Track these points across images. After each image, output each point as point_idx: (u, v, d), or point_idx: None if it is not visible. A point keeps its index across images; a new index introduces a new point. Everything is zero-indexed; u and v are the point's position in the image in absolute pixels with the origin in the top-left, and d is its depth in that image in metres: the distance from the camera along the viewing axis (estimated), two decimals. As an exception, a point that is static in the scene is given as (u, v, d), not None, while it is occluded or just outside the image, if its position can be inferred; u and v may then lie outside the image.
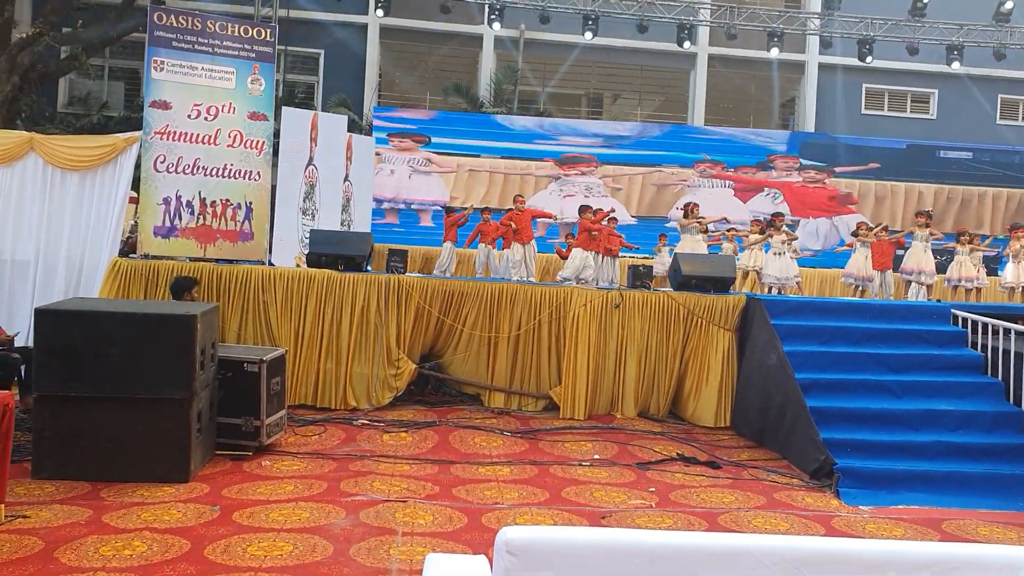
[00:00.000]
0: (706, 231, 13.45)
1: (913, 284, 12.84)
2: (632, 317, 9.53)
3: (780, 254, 12.71)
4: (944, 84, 23.19)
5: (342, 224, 13.77)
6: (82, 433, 6.39)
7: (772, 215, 14.26)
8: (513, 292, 9.58)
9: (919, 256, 12.78)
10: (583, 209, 12.78)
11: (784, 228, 13.33)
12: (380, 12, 18.81)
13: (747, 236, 15.06)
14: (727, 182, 20.66)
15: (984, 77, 22.86)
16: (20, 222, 9.74)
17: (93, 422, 6.40)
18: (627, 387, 9.53)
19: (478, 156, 20.09)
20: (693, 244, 12.53)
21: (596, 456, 8.00)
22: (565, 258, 12.69)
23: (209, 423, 6.98)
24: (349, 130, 14.50)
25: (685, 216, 12.87)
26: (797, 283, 13.05)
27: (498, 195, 19.68)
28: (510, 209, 13.08)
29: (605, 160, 20.49)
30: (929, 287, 12.86)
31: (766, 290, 12.71)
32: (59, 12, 18.01)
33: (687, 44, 20.01)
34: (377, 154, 18.70)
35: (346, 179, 14.15)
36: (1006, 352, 8.35)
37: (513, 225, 12.51)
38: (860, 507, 6.86)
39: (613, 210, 14.18)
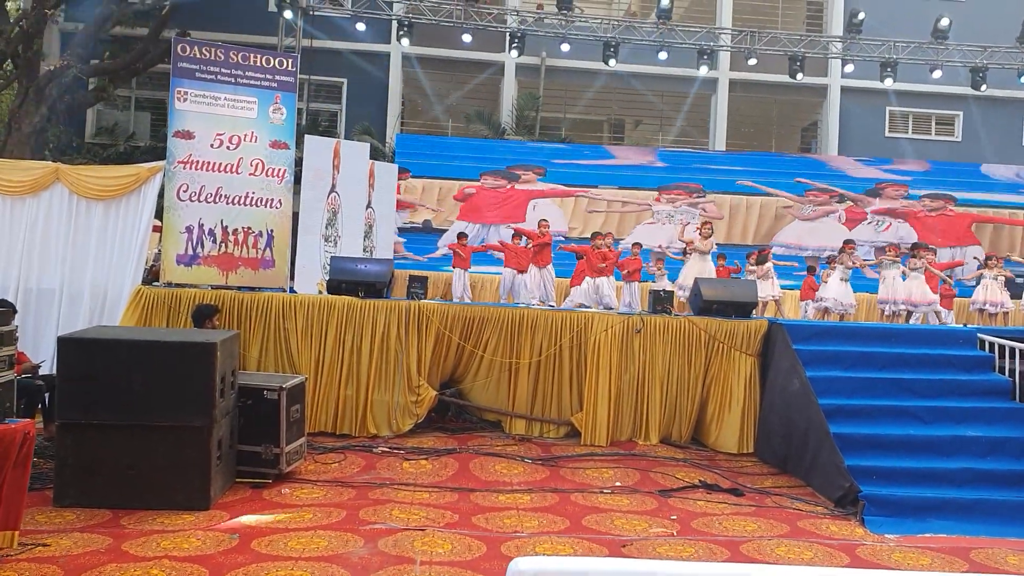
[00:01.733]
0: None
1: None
2: (654, 342, 9.47)
3: (845, 280, 12.70)
4: (968, 106, 23.02)
5: (364, 251, 13.83)
6: (103, 461, 6.43)
7: (845, 242, 14.14)
8: (534, 318, 9.56)
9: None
10: (594, 236, 12.84)
11: (854, 254, 13.30)
12: (404, 41, 18.97)
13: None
14: (834, 212, 20.37)
15: (1009, 99, 22.69)
16: (46, 251, 9.86)
17: (114, 450, 6.44)
18: (649, 413, 9.45)
19: (594, 187, 20.13)
20: (701, 266, 12.52)
21: (617, 483, 7.93)
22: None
23: (229, 450, 6.99)
24: (372, 157, 14.60)
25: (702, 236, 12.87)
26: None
27: (615, 224, 19.66)
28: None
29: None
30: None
31: (824, 315, 12.71)
32: (86, 44, 18.36)
33: (707, 69, 19.99)
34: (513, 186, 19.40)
35: (368, 206, 14.23)
36: (1035, 377, 8.22)
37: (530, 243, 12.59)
38: (886, 535, 6.73)
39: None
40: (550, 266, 12.95)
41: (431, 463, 8.21)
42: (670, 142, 24.31)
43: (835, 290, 12.67)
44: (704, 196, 20.07)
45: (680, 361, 9.49)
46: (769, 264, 14.24)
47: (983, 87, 19.73)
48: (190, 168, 9.92)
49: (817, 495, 7.73)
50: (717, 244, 14.03)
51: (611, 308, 11.94)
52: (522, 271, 13.65)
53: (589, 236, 14.42)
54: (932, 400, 8.34)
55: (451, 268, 14.91)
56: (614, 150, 21.17)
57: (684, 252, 13.96)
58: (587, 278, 12.68)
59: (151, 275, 10.87)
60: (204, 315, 8.55)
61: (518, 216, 19.41)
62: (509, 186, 19.81)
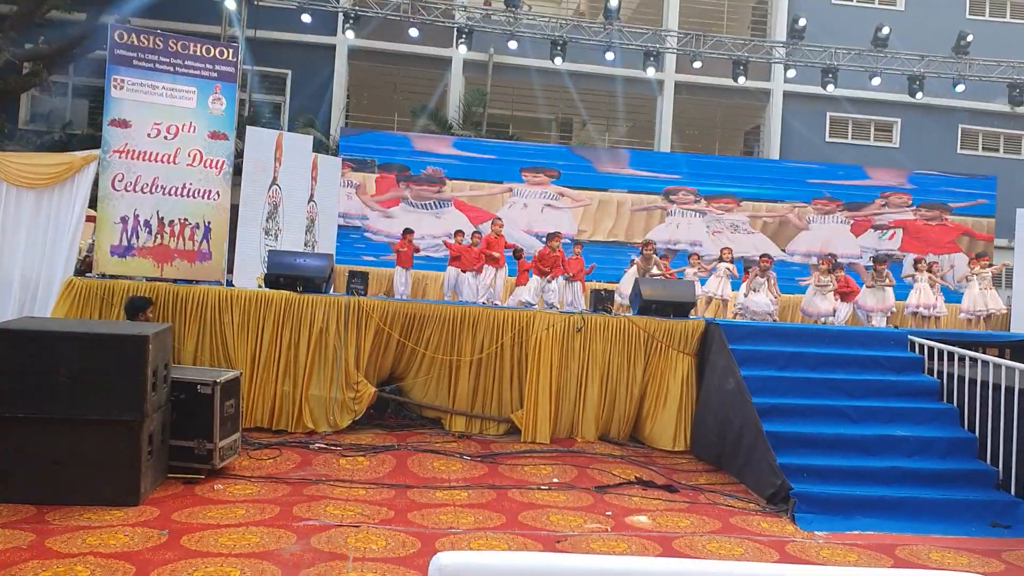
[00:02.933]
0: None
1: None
2: (594, 341, 9.53)
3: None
4: (907, 114, 23.57)
5: (306, 245, 13.69)
6: (28, 455, 6.27)
7: (760, 256, 14.42)
8: (475, 315, 9.55)
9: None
10: (551, 236, 12.95)
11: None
12: (349, 33, 18.79)
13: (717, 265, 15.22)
14: (839, 217, 20.53)
15: (945, 107, 23.29)
16: (-26, 240, 9.58)
17: (40, 444, 6.28)
18: (588, 411, 9.51)
19: (606, 190, 20.01)
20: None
21: (555, 480, 7.97)
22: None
23: (161, 446, 6.86)
24: (316, 150, 14.45)
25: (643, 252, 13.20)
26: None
27: (624, 228, 19.68)
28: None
29: (705, 194, 20.32)
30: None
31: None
32: (20, 27, 17.82)
33: (653, 71, 20.17)
34: (509, 189, 19.19)
35: (311, 200, 14.09)
36: (961, 378, 8.45)
37: (495, 253, 12.62)
38: (815, 532, 6.87)
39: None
40: (504, 268, 13.00)
41: (368, 460, 8.16)
42: (615, 142, 24.49)
43: (752, 298, 12.95)
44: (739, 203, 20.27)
45: (620, 360, 9.56)
46: (726, 264, 14.50)
47: (919, 95, 20.22)
48: (126, 157, 9.70)
49: (750, 492, 7.85)
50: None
51: (554, 307, 12.02)
52: (465, 270, 13.68)
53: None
54: (862, 400, 8.53)
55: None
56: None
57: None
58: (534, 277, 12.76)
59: (84, 266, 10.64)
60: (137, 308, 8.37)
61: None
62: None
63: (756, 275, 13.14)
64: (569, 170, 19.83)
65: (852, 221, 20.37)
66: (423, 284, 16.76)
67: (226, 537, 5.78)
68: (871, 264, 13.64)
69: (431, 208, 19.29)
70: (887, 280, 13.41)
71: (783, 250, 19.73)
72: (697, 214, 19.98)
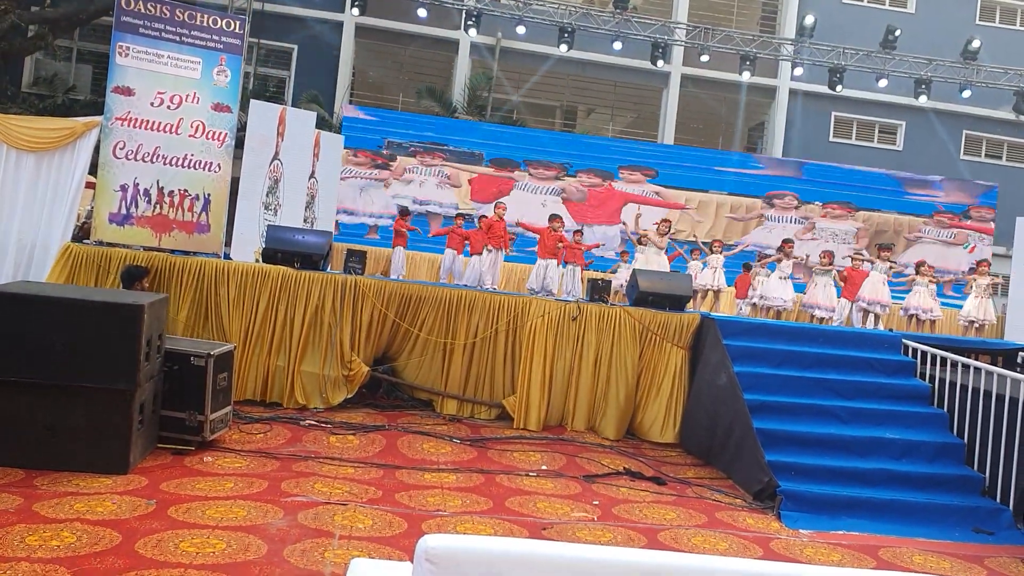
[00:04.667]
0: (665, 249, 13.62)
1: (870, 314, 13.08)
2: (589, 330, 9.53)
3: (784, 277, 13.04)
4: (911, 117, 23.55)
5: (305, 221, 13.65)
6: (21, 420, 6.25)
7: (784, 241, 14.43)
8: (472, 299, 9.55)
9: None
10: (552, 218, 12.91)
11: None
12: (356, 11, 18.70)
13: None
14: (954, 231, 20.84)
15: (950, 112, 23.28)
16: (-30, 201, 9.56)
17: (32, 409, 6.27)
18: (580, 399, 9.52)
19: (706, 192, 20.19)
20: (653, 259, 12.71)
21: (543, 467, 7.99)
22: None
23: (152, 416, 6.86)
24: (319, 127, 14.40)
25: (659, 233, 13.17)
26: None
27: (722, 230, 19.88)
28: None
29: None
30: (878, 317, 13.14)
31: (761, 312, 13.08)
32: (28, -10, 17.75)
33: (661, 63, 20.13)
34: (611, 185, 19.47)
35: (311, 176, 14.05)
36: (952, 384, 8.47)
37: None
38: (800, 531, 6.90)
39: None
40: (502, 251, 12.92)
41: (358, 439, 8.17)
42: (619, 132, 24.46)
43: (775, 287, 12.98)
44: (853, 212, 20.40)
45: (613, 350, 9.56)
46: (717, 255, 14.52)
47: (922, 98, 20.21)
48: (128, 125, 9.67)
49: (737, 488, 7.88)
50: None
51: (551, 293, 12.01)
52: (475, 252, 13.60)
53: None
54: (853, 401, 8.54)
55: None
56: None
57: (639, 242, 14.10)
58: (539, 260, 12.74)
59: (82, 232, 10.62)
60: (134, 276, 8.37)
61: (615, 218, 19.64)
62: (606, 184, 19.83)
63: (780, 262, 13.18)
64: (666, 169, 20.05)
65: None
66: (426, 266, 16.74)
67: (213, 509, 5.79)
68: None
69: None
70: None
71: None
72: (796, 220, 20.13)
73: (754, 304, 13.38)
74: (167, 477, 6.42)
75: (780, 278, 13.06)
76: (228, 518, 5.66)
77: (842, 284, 13.54)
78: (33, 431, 6.25)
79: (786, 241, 14.19)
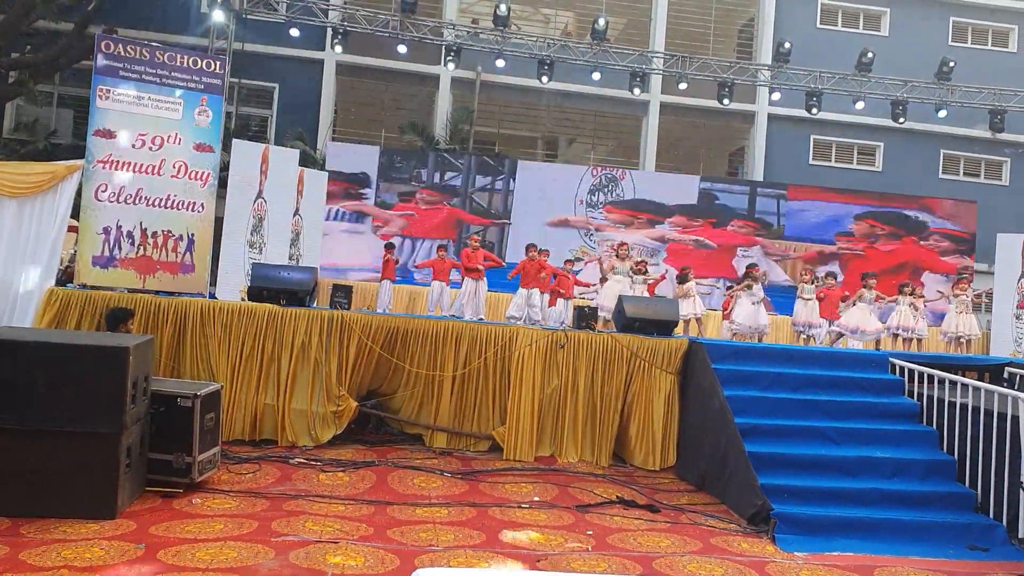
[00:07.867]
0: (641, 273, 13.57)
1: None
2: (577, 358, 9.52)
3: (756, 303, 13.03)
4: (890, 138, 23.81)
5: (290, 258, 13.67)
6: (5, 466, 6.17)
7: (748, 266, 14.44)
8: (459, 330, 9.53)
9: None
10: (528, 248, 12.94)
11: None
12: (338, 48, 18.82)
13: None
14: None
15: (928, 132, 23.56)
16: (-47, 248, 9.48)
17: (17, 454, 6.19)
18: (570, 428, 9.48)
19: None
20: (622, 286, 12.75)
21: (536, 498, 7.93)
22: None
23: (139, 458, 6.79)
24: (303, 164, 14.45)
25: (619, 257, 13.15)
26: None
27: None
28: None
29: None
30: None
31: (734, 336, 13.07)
32: (7, 36, 17.77)
33: (639, 92, 20.31)
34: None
35: (296, 213, 14.08)
36: (941, 401, 8.48)
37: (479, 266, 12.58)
38: (795, 553, 6.86)
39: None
40: (484, 280, 12.90)
41: (348, 475, 8.11)
42: (600, 160, 24.60)
43: (745, 313, 12.96)
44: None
45: (602, 377, 9.55)
46: (691, 283, 14.47)
47: (901, 120, 20.44)
48: (110, 168, 9.68)
49: (731, 513, 7.85)
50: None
51: (537, 322, 12.01)
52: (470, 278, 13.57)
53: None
54: (843, 421, 8.56)
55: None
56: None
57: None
58: (521, 288, 12.75)
59: (66, 276, 10.56)
60: (118, 319, 8.31)
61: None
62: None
63: (748, 286, 13.14)
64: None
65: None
66: (416, 299, 16.72)
67: (203, 551, 5.72)
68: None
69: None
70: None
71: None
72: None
73: (733, 332, 13.36)
74: (156, 520, 6.34)
75: (752, 303, 13.03)
76: (219, 559, 5.59)
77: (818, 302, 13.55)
78: (18, 477, 6.17)
79: (751, 266, 14.18)
